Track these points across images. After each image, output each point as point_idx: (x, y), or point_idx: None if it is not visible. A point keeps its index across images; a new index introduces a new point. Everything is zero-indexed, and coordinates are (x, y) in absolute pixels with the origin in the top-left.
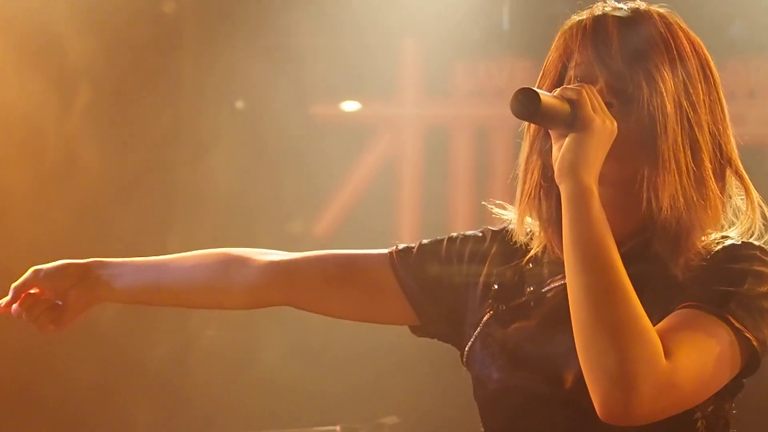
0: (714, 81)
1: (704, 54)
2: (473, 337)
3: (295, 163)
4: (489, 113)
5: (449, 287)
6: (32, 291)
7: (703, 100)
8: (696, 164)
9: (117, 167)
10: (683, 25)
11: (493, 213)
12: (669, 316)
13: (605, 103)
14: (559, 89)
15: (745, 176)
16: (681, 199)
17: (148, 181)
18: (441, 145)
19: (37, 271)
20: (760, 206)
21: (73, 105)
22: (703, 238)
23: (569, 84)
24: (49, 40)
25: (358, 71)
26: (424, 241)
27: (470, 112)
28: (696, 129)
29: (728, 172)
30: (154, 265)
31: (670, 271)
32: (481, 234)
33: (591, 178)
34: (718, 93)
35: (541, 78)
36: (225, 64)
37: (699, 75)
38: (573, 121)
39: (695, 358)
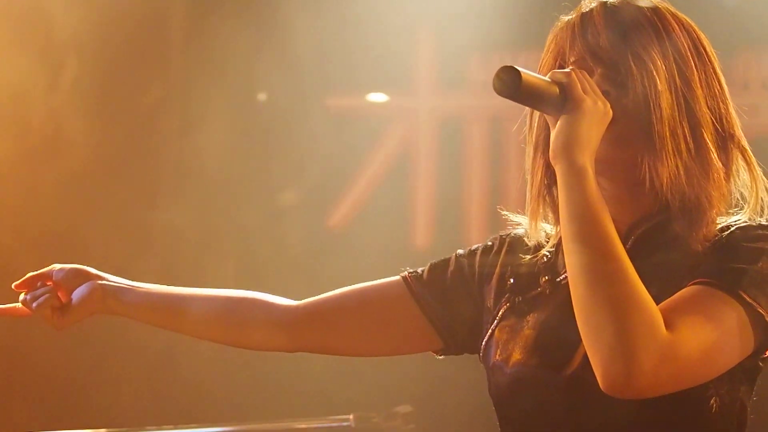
0: (708, 57)
1: (695, 32)
2: (489, 330)
3: (283, 139)
4: (504, 104)
5: (466, 295)
6: (46, 282)
7: (698, 77)
8: (695, 139)
9: (104, 141)
10: (672, 9)
11: (507, 219)
12: (679, 292)
13: (602, 92)
14: (549, 73)
15: (748, 150)
16: (682, 175)
17: (135, 155)
18: (456, 136)
19: (54, 268)
20: (763, 180)
21: (59, 78)
22: (715, 217)
23: None
24: (36, 12)
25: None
26: (434, 261)
27: (485, 103)
28: (693, 105)
29: (731, 146)
30: (172, 293)
31: (691, 248)
32: (490, 242)
33: (584, 158)
34: (714, 69)
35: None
36: (214, 38)
37: (691, 52)
38: (564, 103)
39: (699, 330)
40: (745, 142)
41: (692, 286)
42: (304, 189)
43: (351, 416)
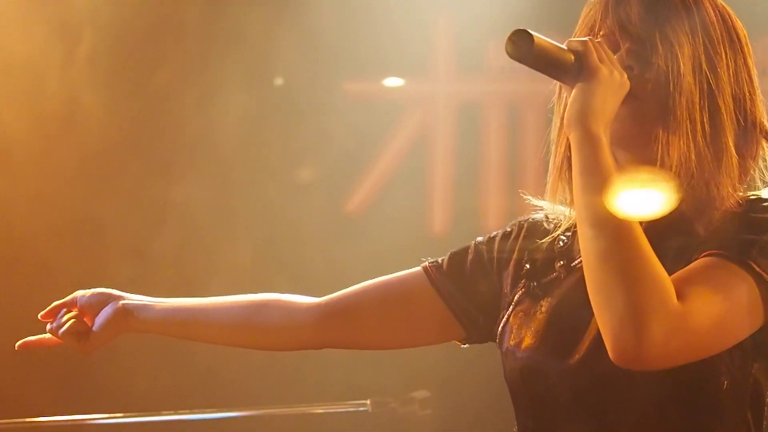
0: (741, 46)
1: (731, 19)
2: (505, 316)
3: (300, 117)
4: (521, 89)
5: (485, 283)
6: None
7: (727, 65)
8: (713, 125)
9: (120, 117)
10: None
11: (527, 203)
12: (690, 264)
13: (625, 67)
14: (566, 41)
15: None
16: (693, 159)
17: (152, 131)
18: (473, 121)
19: (77, 295)
20: None
21: (76, 53)
22: (727, 197)
23: None
24: None
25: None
26: (453, 250)
27: (503, 88)
28: (716, 91)
29: (754, 134)
30: (192, 305)
31: (695, 228)
32: (509, 228)
33: (598, 126)
34: (745, 59)
35: None
36: (232, 14)
37: (723, 39)
38: (579, 71)
39: (709, 301)
40: None
41: (703, 258)
42: (322, 168)
43: (368, 401)
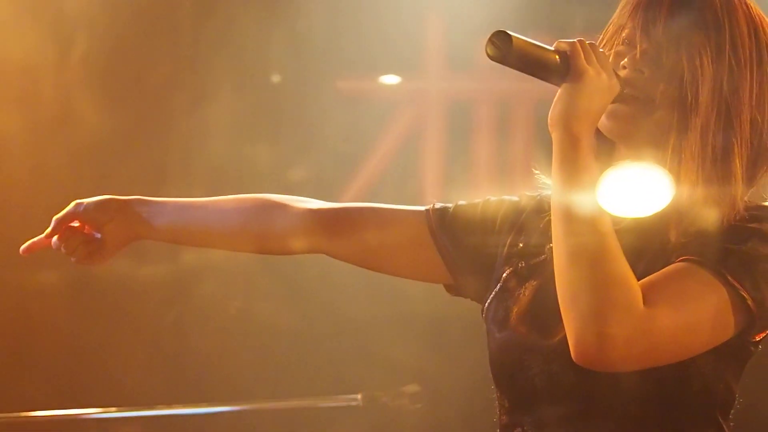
0: None
1: (767, 41)
2: (492, 293)
3: (293, 118)
4: (512, 87)
5: (482, 245)
6: (73, 224)
7: (750, 88)
8: (725, 150)
9: (113, 118)
10: (751, 7)
11: (540, 178)
12: (665, 268)
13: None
14: (555, 42)
15: None
16: (699, 178)
17: (144, 132)
18: (466, 119)
19: (78, 204)
20: None
21: (70, 54)
22: (724, 216)
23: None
24: None
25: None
26: (461, 201)
27: (496, 86)
28: (733, 115)
29: (765, 158)
30: (195, 205)
31: (677, 231)
32: (517, 198)
33: (580, 128)
34: None
35: (599, 42)
36: (225, 15)
37: (752, 61)
38: (566, 72)
39: (676, 307)
40: None
41: (678, 263)
42: (315, 169)
43: (359, 395)
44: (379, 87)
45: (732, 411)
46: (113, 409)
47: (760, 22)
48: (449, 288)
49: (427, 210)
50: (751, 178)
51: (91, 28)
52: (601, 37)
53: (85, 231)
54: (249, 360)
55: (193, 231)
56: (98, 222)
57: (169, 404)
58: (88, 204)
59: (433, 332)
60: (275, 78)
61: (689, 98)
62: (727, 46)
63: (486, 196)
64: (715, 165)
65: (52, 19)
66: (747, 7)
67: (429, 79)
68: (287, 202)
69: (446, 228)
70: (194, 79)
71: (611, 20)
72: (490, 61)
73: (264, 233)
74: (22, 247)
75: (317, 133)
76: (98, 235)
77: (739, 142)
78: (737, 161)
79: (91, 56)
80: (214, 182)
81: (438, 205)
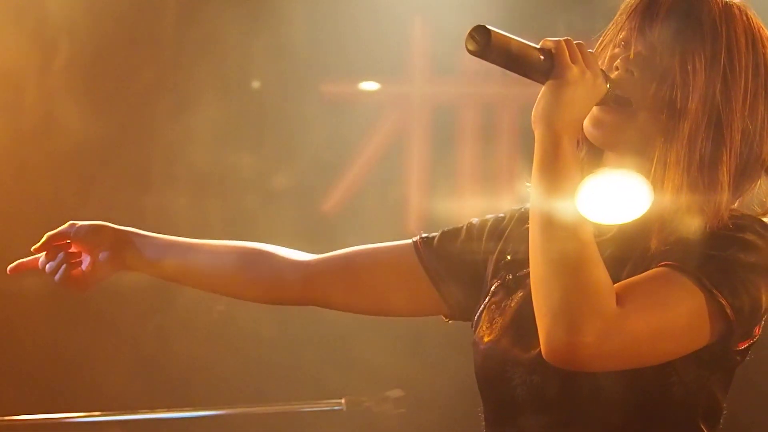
0: (767, 81)
1: (764, 52)
2: (481, 306)
3: (275, 125)
4: (495, 92)
5: (471, 264)
6: (64, 242)
7: (744, 98)
8: (713, 159)
9: (95, 124)
10: (751, 18)
11: (500, 204)
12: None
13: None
14: (541, 41)
15: None
16: (684, 186)
17: (127, 138)
18: (449, 124)
19: (72, 225)
20: None
21: (53, 60)
22: (707, 225)
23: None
24: None
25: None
26: (446, 228)
27: (478, 91)
28: (724, 125)
29: (755, 168)
30: (186, 245)
31: (659, 237)
32: (502, 214)
33: (563, 126)
34: (767, 94)
35: (598, 44)
36: (207, 22)
37: (747, 71)
38: (550, 70)
39: (649, 310)
40: None
41: (659, 267)
42: (297, 175)
43: (342, 400)
44: (362, 93)
45: (719, 422)
46: (96, 413)
47: (759, 33)
48: (447, 316)
49: (414, 242)
50: (737, 188)
51: (73, 34)
52: (601, 39)
53: (73, 251)
54: (233, 364)
55: (182, 269)
56: (89, 245)
57: (152, 408)
58: (82, 226)
59: (417, 337)
60: (258, 84)
61: (678, 103)
62: (723, 55)
63: (469, 219)
64: (702, 173)
65: (35, 24)
66: (747, 18)
67: (412, 84)
68: (279, 253)
69: (435, 252)
70: (177, 85)
71: (611, 23)
72: (473, 65)
73: (253, 281)
74: (10, 266)
75: (300, 139)
76: (86, 259)
77: (728, 152)
78: (725, 170)
79: (74, 62)
80: (197, 188)
81: (424, 235)
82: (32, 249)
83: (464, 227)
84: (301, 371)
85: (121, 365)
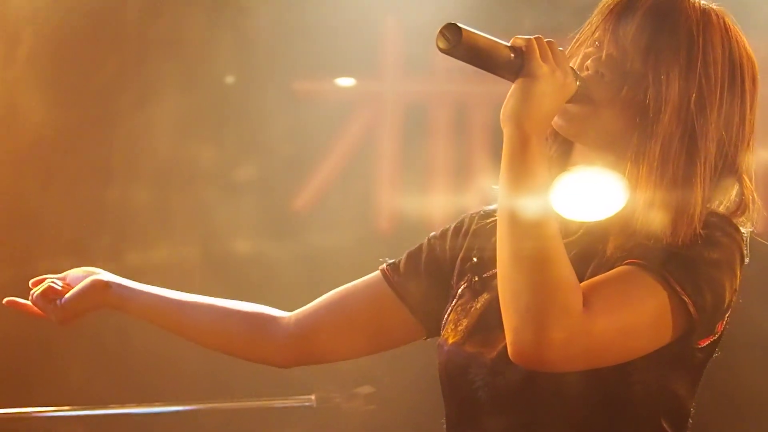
0: (743, 90)
1: (741, 59)
2: (448, 309)
3: (241, 120)
4: (468, 90)
5: (441, 279)
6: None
7: (719, 108)
8: (687, 169)
9: (58, 116)
10: (729, 25)
11: (469, 202)
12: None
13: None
14: (512, 38)
15: (749, 183)
16: (656, 195)
17: (89, 131)
18: (421, 121)
19: (70, 271)
20: (757, 211)
21: (15, 52)
22: (678, 231)
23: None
24: None
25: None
26: (410, 249)
27: (451, 88)
28: (698, 135)
29: (730, 182)
30: (178, 295)
31: (626, 235)
32: (459, 221)
33: (531, 124)
34: (742, 102)
35: (574, 41)
36: (171, 16)
37: (723, 81)
38: (521, 68)
39: (615, 310)
40: (747, 183)
41: (622, 266)
42: (261, 170)
43: (312, 396)
44: (332, 89)
45: (686, 422)
46: (58, 408)
47: (736, 41)
48: (426, 336)
49: (382, 270)
50: (710, 198)
51: (36, 26)
52: (577, 36)
53: (63, 288)
54: (201, 359)
55: (172, 317)
56: (78, 281)
57: (120, 403)
58: (80, 270)
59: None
60: (222, 78)
61: (651, 111)
62: (699, 64)
63: (426, 234)
64: (675, 183)
65: None
66: (724, 24)
67: (385, 81)
68: (270, 313)
69: (403, 274)
70: (140, 78)
71: (588, 20)
72: (445, 63)
73: (246, 342)
74: (5, 300)
75: (266, 134)
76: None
77: (702, 160)
78: (699, 183)
79: (36, 54)
80: (160, 181)
81: (389, 262)
82: (30, 283)
83: (425, 243)
84: (270, 367)
85: (84, 360)
